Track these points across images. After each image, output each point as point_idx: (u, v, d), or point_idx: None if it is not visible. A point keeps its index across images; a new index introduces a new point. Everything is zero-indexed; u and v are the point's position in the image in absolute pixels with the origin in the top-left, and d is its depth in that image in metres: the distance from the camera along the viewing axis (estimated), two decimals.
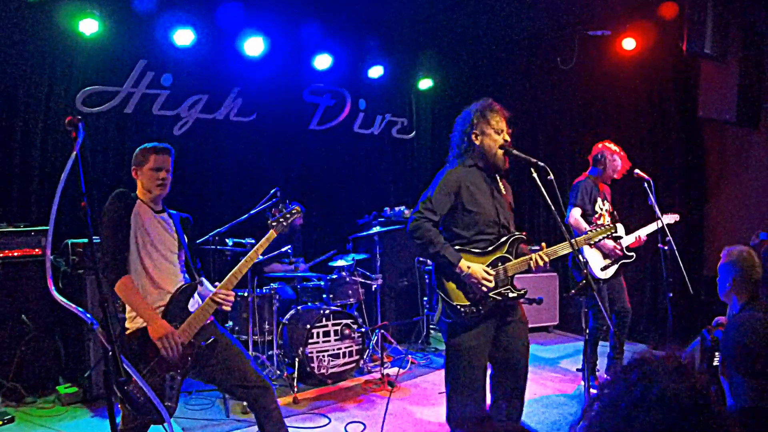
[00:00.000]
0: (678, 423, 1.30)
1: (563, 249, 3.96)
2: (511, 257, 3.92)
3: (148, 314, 3.51)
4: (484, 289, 3.77)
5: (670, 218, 5.98)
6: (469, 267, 3.76)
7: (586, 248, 5.74)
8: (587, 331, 3.89)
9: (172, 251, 3.83)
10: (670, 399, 1.32)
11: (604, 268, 5.82)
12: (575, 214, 5.85)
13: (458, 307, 3.81)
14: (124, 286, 3.54)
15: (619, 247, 5.80)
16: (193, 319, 3.65)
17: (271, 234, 3.87)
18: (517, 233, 3.99)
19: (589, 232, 4.21)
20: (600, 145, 6.04)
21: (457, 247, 3.87)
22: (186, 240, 3.95)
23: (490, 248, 3.92)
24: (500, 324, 3.97)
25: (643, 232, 5.94)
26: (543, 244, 4.32)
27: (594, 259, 5.80)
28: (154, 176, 3.75)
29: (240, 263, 3.85)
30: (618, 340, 5.95)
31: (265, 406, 3.76)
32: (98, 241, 3.60)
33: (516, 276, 3.95)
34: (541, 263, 3.92)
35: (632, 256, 5.87)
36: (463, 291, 3.83)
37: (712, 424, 1.30)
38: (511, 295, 3.89)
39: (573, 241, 3.91)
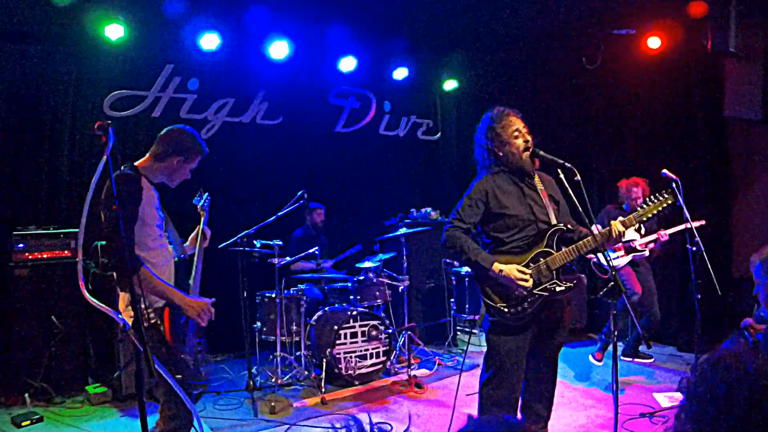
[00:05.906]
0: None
1: (639, 218, 3.98)
2: (552, 251, 3.84)
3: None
4: (522, 288, 3.74)
5: (696, 224, 5.94)
6: (501, 270, 3.73)
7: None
8: (614, 312, 3.92)
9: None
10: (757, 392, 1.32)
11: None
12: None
13: (502, 308, 3.78)
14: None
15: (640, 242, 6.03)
16: None
17: None
18: (557, 226, 3.90)
19: (640, 208, 4.12)
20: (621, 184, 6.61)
21: (499, 250, 3.87)
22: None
23: (528, 246, 3.89)
24: (541, 326, 3.94)
25: (669, 231, 6.11)
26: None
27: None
28: (186, 175, 3.68)
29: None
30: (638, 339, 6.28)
31: None
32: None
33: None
34: (619, 231, 3.85)
35: (644, 251, 6.04)
36: (503, 292, 3.80)
37: None
38: (558, 289, 3.81)
39: (623, 220, 3.89)
